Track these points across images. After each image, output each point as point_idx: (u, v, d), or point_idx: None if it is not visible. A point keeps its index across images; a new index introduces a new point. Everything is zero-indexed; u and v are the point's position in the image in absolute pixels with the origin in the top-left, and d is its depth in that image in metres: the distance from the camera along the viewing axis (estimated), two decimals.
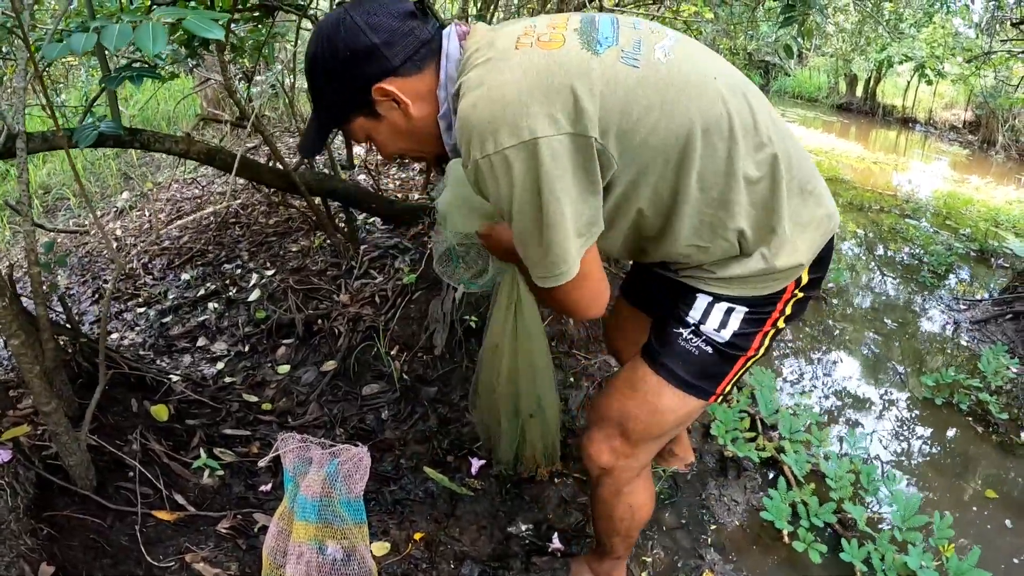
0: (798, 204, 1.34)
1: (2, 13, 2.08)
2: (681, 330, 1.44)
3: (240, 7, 2.41)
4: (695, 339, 1.43)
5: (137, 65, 2.15)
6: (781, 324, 1.46)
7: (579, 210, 1.18)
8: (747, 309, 1.40)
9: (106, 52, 2.36)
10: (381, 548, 1.99)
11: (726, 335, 1.42)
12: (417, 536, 2.08)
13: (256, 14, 2.74)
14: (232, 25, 2.48)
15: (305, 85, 1.62)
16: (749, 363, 1.49)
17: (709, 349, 1.43)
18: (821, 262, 1.43)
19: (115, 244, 4.80)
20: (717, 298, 1.40)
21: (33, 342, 1.85)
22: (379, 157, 5.38)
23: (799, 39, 2.79)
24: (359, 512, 1.73)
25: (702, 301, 1.42)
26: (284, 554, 1.78)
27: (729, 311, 1.40)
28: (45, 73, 3.42)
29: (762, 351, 1.48)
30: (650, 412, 1.49)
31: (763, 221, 1.32)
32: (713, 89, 1.22)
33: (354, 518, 1.74)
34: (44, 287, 2.04)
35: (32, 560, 1.74)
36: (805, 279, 1.41)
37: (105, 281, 4.22)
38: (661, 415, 1.49)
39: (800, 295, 1.43)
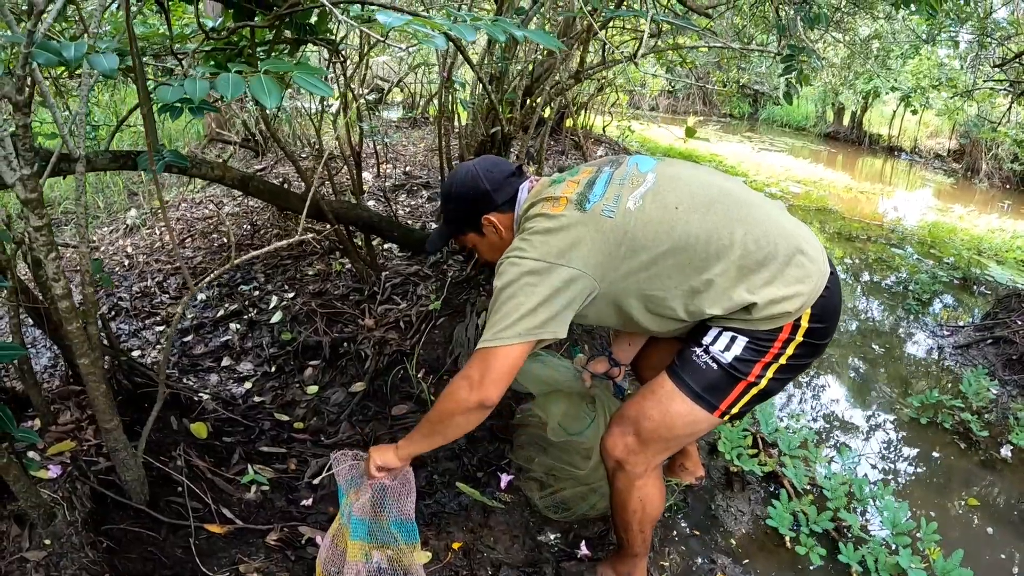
0: (770, 276, 1.66)
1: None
2: (695, 348, 1.77)
3: (276, 40, 2.54)
4: (704, 356, 1.75)
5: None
6: (784, 361, 1.73)
7: (538, 311, 1.64)
8: (748, 339, 1.71)
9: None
10: (423, 557, 2.14)
11: (729, 357, 1.72)
12: (455, 545, 2.24)
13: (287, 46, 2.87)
14: (258, 49, 2.57)
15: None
16: (752, 391, 1.76)
17: (715, 366, 1.73)
18: (824, 315, 1.73)
19: (127, 262, 4.91)
20: (724, 328, 1.73)
21: (96, 359, 1.91)
22: (388, 184, 5.60)
23: (798, 84, 3.00)
24: (412, 533, 1.88)
25: (713, 330, 1.75)
26: (336, 567, 1.91)
27: (733, 339, 1.72)
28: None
29: (764, 382, 1.75)
30: (662, 413, 1.79)
31: (736, 298, 1.66)
32: (673, 220, 1.66)
33: (406, 539, 1.88)
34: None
35: (94, 572, 1.84)
36: (804, 326, 1.70)
37: (121, 299, 4.31)
38: (671, 418, 1.79)
39: (801, 339, 1.71)
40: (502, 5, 2.70)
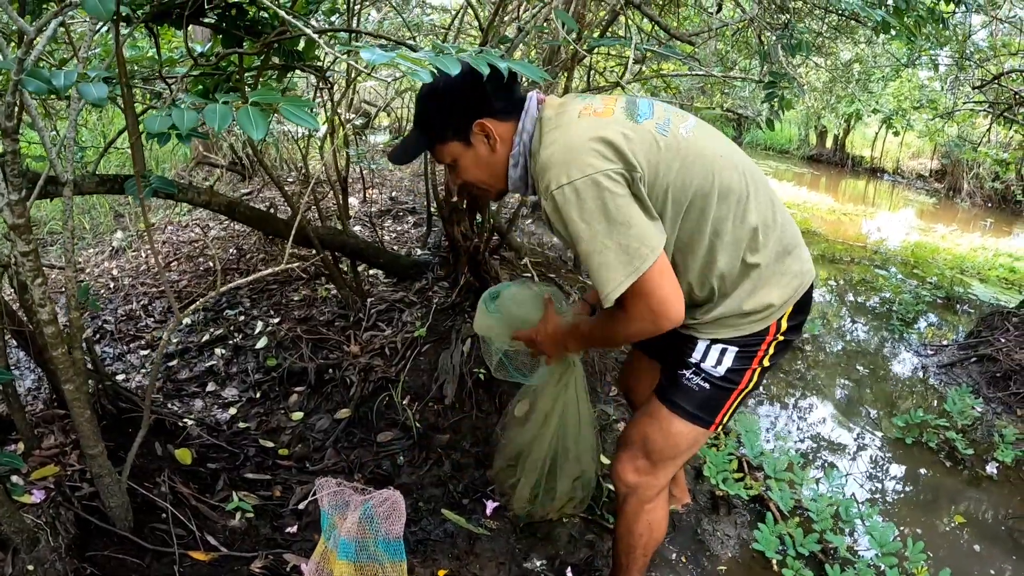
0: (774, 260, 1.66)
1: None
2: (685, 371, 1.76)
3: (264, 66, 2.57)
4: (695, 378, 1.74)
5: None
6: (767, 363, 1.76)
7: (647, 218, 1.49)
8: (738, 348, 1.71)
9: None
10: None
11: (722, 370, 1.72)
12: (441, 573, 2.23)
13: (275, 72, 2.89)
14: (246, 75, 2.59)
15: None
16: (741, 395, 1.79)
17: (707, 385, 1.73)
18: (800, 310, 1.74)
19: (112, 284, 4.88)
20: (713, 341, 1.71)
21: (81, 384, 1.90)
22: (374, 209, 5.62)
23: (780, 111, 3.04)
24: (398, 552, 1.88)
25: (701, 344, 1.73)
26: None
27: (723, 351, 1.71)
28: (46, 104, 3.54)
29: (751, 385, 1.77)
30: (664, 436, 1.80)
31: (739, 272, 1.64)
32: (718, 164, 1.57)
33: (392, 557, 1.88)
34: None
35: None
36: (784, 325, 1.71)
37: (106, 322, 4.29)
38: (674, 438, 1.80)
39: (781, 338, 1.73)
40: (487, 35, 2.72)
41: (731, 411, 1.80)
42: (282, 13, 1.41)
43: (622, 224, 1.46)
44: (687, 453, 1.89)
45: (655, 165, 1.50)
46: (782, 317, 1.70)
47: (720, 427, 1.83)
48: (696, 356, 1.73)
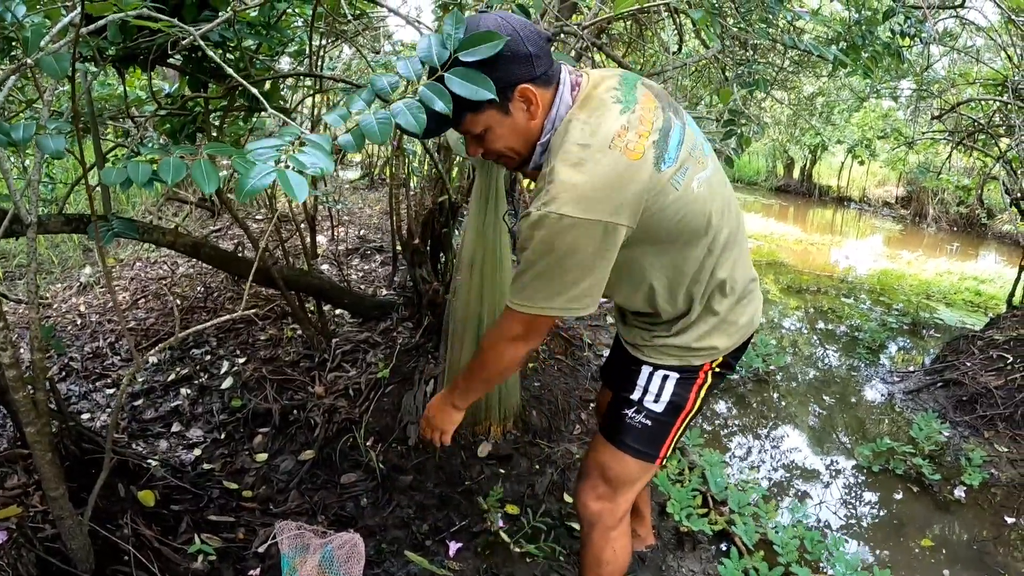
0: (729, 310, 1.73)
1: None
2: (627, 410, 1.82)
3: (230, 108, 2.60)
4: (638, 416, 1.81)
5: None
6: (704, 393, 1.83)
7: (593, 281, 1.48)
8: (678, 375, 1.77)
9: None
10: None
11: (661, 405, 1.79)
12: None
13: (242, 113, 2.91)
14: (212, 116, 2.62)
15: None
16: (682, 427, 1.86)
17: (649, 423, 1.81)
18: (737, 352, 1.84)
19: (80, 321, 4.82)
20: (655, 368, 1.78)
21: (43, 426, 1.90)
22: (341, 248, 5.62)
23: (739, 147, 3.09)
24: None
25: (644, 371, 1.80)
26: None
27: (665, 377, 1.78)
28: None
29: (691, 415, 1.85)
30: (618, 464, 1.86)
31: (700, 314, 1.71)
32: (719, 222, 1.60)
33: None
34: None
35: None
36: (720, 359, 1.79)
37: (72, 359, 4.24)
38: (626, 466, 1.86)
39: (717, 369, 1.81)
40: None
41: (673, 444, 1.86)
42: (230, 70, 1.43)
43: (591, 274, 1.47)
44: (641, 481, 1.95)
45: (655, 214, 1.47)
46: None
47: (665, 460, 1.90)
48: (639, 390, 1.80)
